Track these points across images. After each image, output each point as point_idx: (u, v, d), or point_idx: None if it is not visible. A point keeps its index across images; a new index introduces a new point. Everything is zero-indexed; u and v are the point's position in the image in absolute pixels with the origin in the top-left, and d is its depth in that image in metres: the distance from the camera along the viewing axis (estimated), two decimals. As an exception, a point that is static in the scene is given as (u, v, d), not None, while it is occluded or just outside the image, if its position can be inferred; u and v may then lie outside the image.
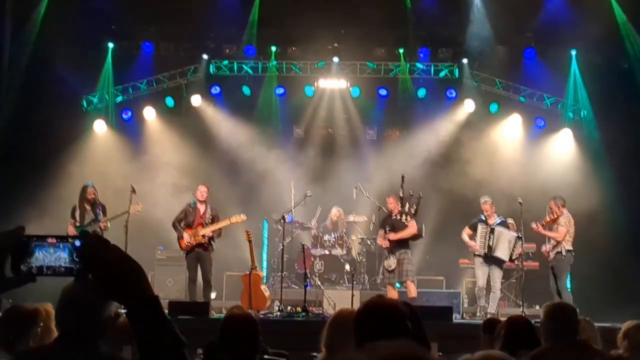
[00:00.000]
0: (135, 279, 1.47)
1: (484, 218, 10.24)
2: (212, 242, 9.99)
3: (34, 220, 10.70)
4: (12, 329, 3.90)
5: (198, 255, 9.89)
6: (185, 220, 9.96)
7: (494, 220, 10.21)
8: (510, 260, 10.16)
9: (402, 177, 10.03)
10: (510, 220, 10.81)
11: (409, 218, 9.84)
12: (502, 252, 10.01)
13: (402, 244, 9.95)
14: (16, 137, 11.48)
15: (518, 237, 10.04)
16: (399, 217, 9.85)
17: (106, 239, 1.53)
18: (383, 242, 10.02)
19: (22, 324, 3.93)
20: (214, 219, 9.98)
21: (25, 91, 11.47)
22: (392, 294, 9.89)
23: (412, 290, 9.91)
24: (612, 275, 11.17)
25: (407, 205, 9.92)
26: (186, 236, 9.84)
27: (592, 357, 4.03)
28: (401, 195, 10.00)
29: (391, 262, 9.89)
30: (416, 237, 10.19)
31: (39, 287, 1.81)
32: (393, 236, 9.90)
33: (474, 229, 10.23)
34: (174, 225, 10.03)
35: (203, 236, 9.81)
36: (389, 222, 10.01)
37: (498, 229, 10.07)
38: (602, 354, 4.13)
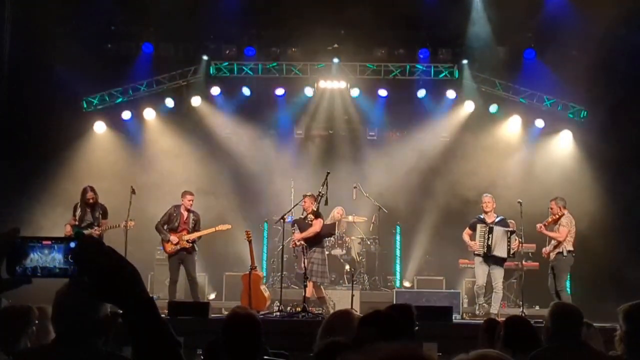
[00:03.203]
0: (129, 281, 1.47)
1: (482, 217, 10.25)
2: (195, 245, 10.33)
3: (32, 220, 10.73)
4: (6, 329, 3.90)
5: (181, 257, 10.19)
6: (169, 224, 10.24)
7: (493, 218, 10.22)
8: (509, 255, 10.15)
9: (327, 175, 10.19)
10: (511, 222, 10.83)
11: (312, 217, 10.05)
12: (501, 251, 10.02)
13: (313, 243, 10.08)
14: (16, 137, 11.48)
15: (511, 232, 10.10)
16: (304, 217, 10.09)
17: (101, 241, 1.52)
18: (291, 242, 10.22)
19: (16, 324, 3.93)
20: (196, 224, 10.32)
21: (25, 92, 11.47)
22: (310, 290, 10.02)
23: (309, 290, 9.96)
24: (612, 275, 11.16)
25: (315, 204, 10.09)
26: (173, 239, 10.07)
27: (591, 358, 4.03)
28: (319, 192, 10.19)
29: (303, 261, 9.97)
30: (326, 234, 10.43)
31: (40, 287, 1.81)
32: (297, 236, 10.11)
33: (473, 229, 10.25)
34: (157, 229, 10.31)
35: (187, 241, 10.07)
36: (297, 222, 10.22)
37: (496, 228, 10.08)
38: (601, 355, 4.12)
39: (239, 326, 3.69)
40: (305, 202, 10.22)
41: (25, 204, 11.06)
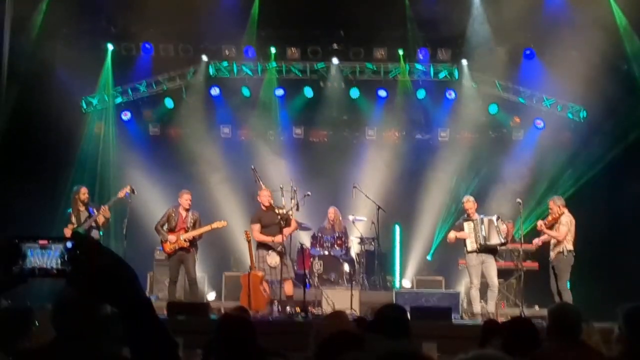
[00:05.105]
0: (126, 282, 1.47)
1: (466, 216, 10.23)
2: (195, 244, 10.26)
3: (30, 221, 10.72)
4: (7, 329, 3.90)
5: (181, 257, 10.13)
6: (168, 224, 10.21)
7: (476, 217, 10.18)
8: (504, 240, 10.06)
9: (254, 169, 10.50)
10: (509, 222, 10.82)
11: (292, 213, 10.21)
12: (494, 238, 9.98)
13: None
14: (15, 138, 11.48)
15: (497, 218, 10.06)
16: (285, 211, 10.10)
17: (98, 242, 1.52)
18: (275, 238, 10.00)
19: (16, 324, 3.93)
20: (195, 223, 10.22)
21: (24, 92, 11.47)
22: (289, 289, 10.05)
23: (290, 289, 10.09)
24: (612, 275, 11.16)
25: (290, 200, 10.27)
26: (171, 238, 10.01)
27: (590, 358, 4.03)
28: (262, 188, 10.32)
29: (275, 259, 9.93)
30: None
31: (40, 287, 1.82)
32: (288, 231, 10.11)
33: (461, 230, 10.19)
34: (156, 229, 10.27)
35: (185, 240, 10.00)
36: (277, 217, 10.03)
37: (484, 219, 10.06)
38: (600, 355, 4.13)
39: (230, 329, 3.69)
40: (266, 195, 10.24)
41: (24, 204, 11.05)
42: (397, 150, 13.58)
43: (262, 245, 10.18)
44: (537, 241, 10.19)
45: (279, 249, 10.07)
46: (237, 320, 3.80)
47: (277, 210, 10.13)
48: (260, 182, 10.53)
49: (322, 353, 2.73)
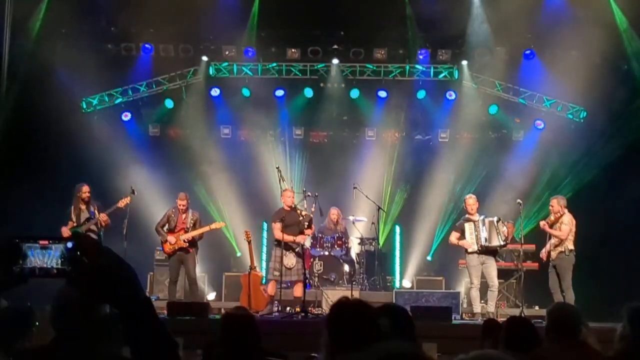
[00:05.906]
0: (127, 282, 1.47)
1: (467, 217, 10.22)
2: (195, 244, 10.25)
3: (30, 221, 10.72)
4: (7, 330, 3.90)
5: (181, 257, 10.13)
6: (168, 225, 10.22)
7: (477, 217, 10.17)
8: (505, 241, 10.02)
9: (278, 169, 10.51)
10: (509, 223, 10.82)
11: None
12: (495, 240, 9.97)
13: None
14: (15, 138, 11.48)
15: (497, 220, 10.03)
16: (305, 213, 10.09)
17: (97, 241, 1.52)
18: (298, 238, 9.99)
19: (16, 324, 3.94)
20: (195, 223, 10.24)
21: (24, 93, 11.48)
22: (299, 291, 9.95)
23: (300, 291, 9.96)
24: (612, 275, 11.16)
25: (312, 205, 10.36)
26: (170, 239, 10.02)
27: (590, 358, 4.04)
28: (286, 188, 10.34)
29: (292, 260, 9.91)
30: None
31: (40, 287, 1.82)
32: (309, 233, 10.20)
33: (461, 229, 10.18)
34: (156, 230, 10.30)
35: (185, 241, 10.02)
36: (299, 219, 9.99)
37: (485, 220, 10.06)
38: (599, 354, 4.13)
39: (234, 327, 3.70)
40: (289, 195, 10.17)
41: (24, 204, 11.05)
42: (397, 151, 13.59)
43: (280, 245, 10.02)
44: (543, 224, 10.04)
45: (297, 249, 10.05)
46: (242, 320, 3.80)
47: (299, 212, 10.08)
48: (284, 183, 10.50)
49: (334, 316, 2.67)
